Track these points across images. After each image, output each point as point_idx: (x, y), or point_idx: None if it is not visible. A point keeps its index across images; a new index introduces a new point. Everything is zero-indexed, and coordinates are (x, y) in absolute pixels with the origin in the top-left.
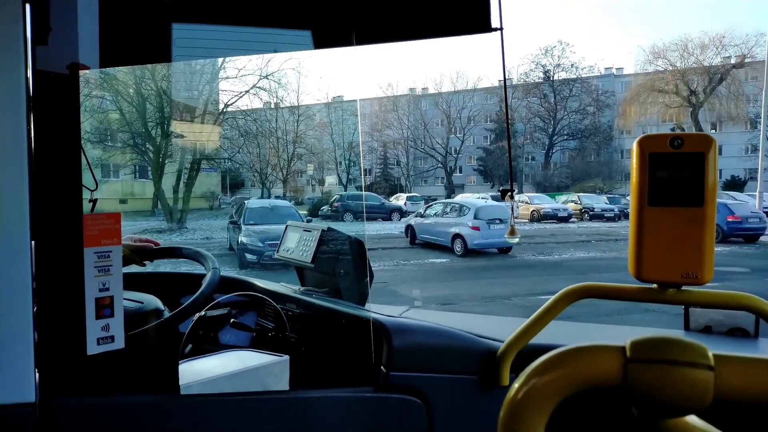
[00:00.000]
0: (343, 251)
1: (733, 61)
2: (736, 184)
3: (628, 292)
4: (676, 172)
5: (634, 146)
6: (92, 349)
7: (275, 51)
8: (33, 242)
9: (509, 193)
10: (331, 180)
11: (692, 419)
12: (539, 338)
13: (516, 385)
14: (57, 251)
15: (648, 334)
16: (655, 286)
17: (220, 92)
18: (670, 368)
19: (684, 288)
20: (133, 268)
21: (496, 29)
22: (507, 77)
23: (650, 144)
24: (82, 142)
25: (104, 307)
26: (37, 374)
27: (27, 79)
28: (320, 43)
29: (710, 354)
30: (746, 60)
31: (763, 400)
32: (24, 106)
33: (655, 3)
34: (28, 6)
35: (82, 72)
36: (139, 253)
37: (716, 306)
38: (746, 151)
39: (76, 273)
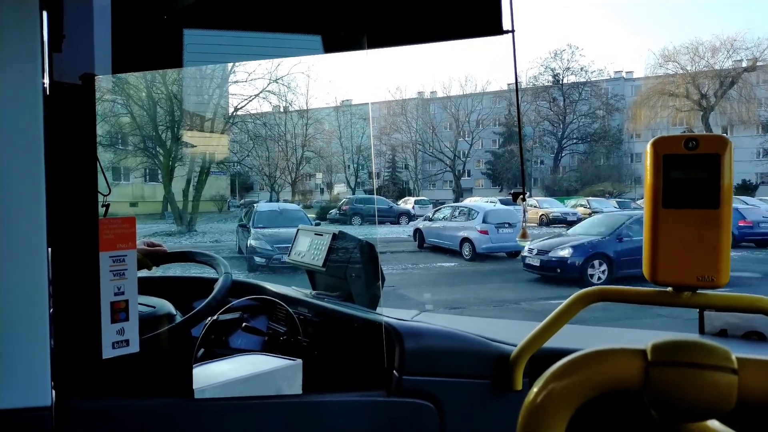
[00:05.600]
0: (355, 255)
1: (744, 64)
2: (747, 189)
3: (642, 296)
4: (691, 173)
5: (648, 148)
6: (107, 352)
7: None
8: (50, 247)
9: (521, 196)
10: (340, 186)
11: (713, 423)
12: (551, 342)
13: (535, 389)
14: (73, 256)
15: (667, 337)
16: (670, 289)
17: (230, 96)
18: (692, 371)
19: (699, 291)
20: (145, 272)
21: (507, 32)
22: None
23: (664, 145)
24: None
25: (119, 311)
26: (52, 378)
27: (44, 85)
28: (331, 47)
29: (734, 357)
30: (758, 63)
31: None
32: (41, 112)
33: (665, 6)
34: (45, 13)
35: (98, 77)
36: (151, 257)
37: (732, 309)
38: (758, 155)
39: (91, 277)
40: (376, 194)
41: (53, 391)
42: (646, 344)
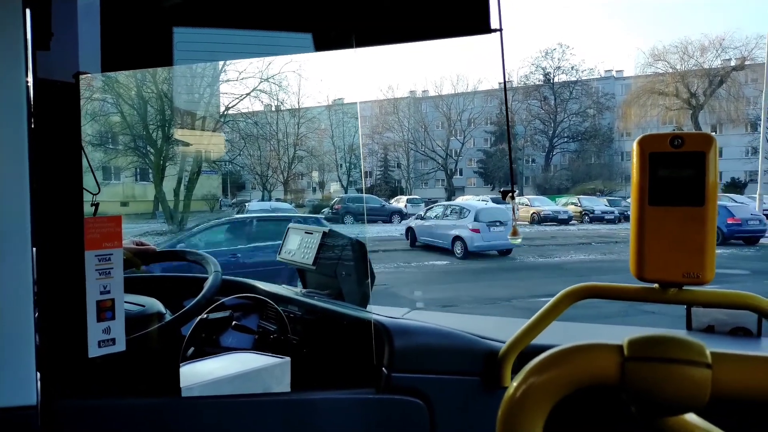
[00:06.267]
0: (345, 253)
1: (733, 63)
2: (736, 187)
3: (629, 292)
4: (677, 171)
5: (635, 146)
6: (93, 351)
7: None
8: (34, 246)
9: (510, 194)
10: (335, 186)
11: (691, 417)
12: (541, 339)
13: (514, 383)
14: (58, 255)
15: (647, 333)
16: (656, 285)
17: (221, 95)
18: (667, 366)
19: (686, 288)
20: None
21: (495, 30)
22: (507, 80)
23: (651, 143)
24: (84, 145)
25: (105, 310)
26: (38, 377)
27: (27, 84)
28: (321, 45)
29: (708, 352)
30: (746, 62)
31: (760, 397)
32: (25, 111)
33: (654, 5)
34: (28, 11)
35: (82, 76)
36: (140, 256)
37: (719, 305)
38: (746, 154)
39: (77, 276)
40: (369, 193)
41: (39, 390)
42: (623, 339)
